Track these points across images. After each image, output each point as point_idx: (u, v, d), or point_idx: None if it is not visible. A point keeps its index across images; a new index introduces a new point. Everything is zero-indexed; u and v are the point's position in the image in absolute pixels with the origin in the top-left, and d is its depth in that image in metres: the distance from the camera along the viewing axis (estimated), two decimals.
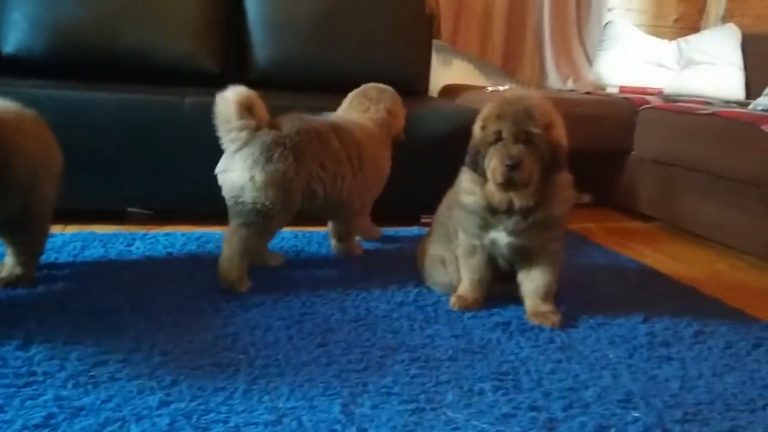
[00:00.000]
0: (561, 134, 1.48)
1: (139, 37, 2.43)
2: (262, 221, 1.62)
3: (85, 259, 1.79)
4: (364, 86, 2.06)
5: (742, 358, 1.44)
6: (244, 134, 1.63)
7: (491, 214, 1.53)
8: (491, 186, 1.47)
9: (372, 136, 1.93)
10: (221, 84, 2.51)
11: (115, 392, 1.13)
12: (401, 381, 1.25)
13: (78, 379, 1.16)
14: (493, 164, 1.43)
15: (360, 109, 2.00)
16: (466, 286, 1.64)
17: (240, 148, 1.63)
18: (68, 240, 1.92)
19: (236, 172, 1.62)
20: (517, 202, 1.47)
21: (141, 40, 2.44)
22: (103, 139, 2.09)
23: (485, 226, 1.55)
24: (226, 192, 1.66)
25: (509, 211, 1.50)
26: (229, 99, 1.64)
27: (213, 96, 2.18)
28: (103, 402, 1.10)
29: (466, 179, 1.58)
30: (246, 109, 1.63)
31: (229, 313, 1.50)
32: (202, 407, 1.10)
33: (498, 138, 1.43)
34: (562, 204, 1.55)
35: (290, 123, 1.71)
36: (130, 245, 1.93)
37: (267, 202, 1.60)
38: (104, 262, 1.79)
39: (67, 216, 2.00)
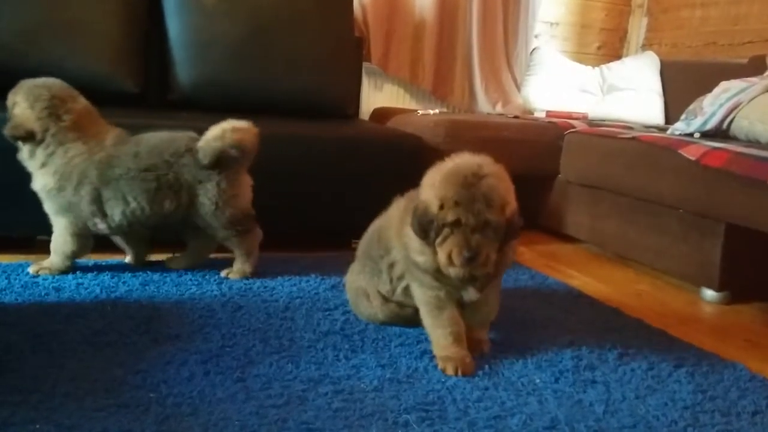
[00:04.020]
0: (514, 206, 1.41)
1: (51, 53, 2.29)
2: None
3: None
4: None
5: (664, 380, 1.46)
6: None
7: (443, 275, 1.44)
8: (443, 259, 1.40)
9: None
10: (140, 104, 2.45)
11: None
12: (323, 415, 1.19)
13: None
14: (450, 249, 1.36)
15: None
16: (448, 344, 1.45)
17: None
18: None
19: None
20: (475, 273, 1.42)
21: (54, 57, 2.29)
22: (7, 163, 1.95)
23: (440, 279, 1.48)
24: None
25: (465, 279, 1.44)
26: None
27: (130, 117, 2.11)
28: None
29: (414, 237, 1.46)
30: None
31: (142, 347, 1.41)
32: None
33: (456, 223, 1.36)
34: (511, 257, 1.52)
35: None
36: (37, 276, 1.81)
37: None
38: (6, 294, 1.66)
39: None
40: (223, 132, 1.83)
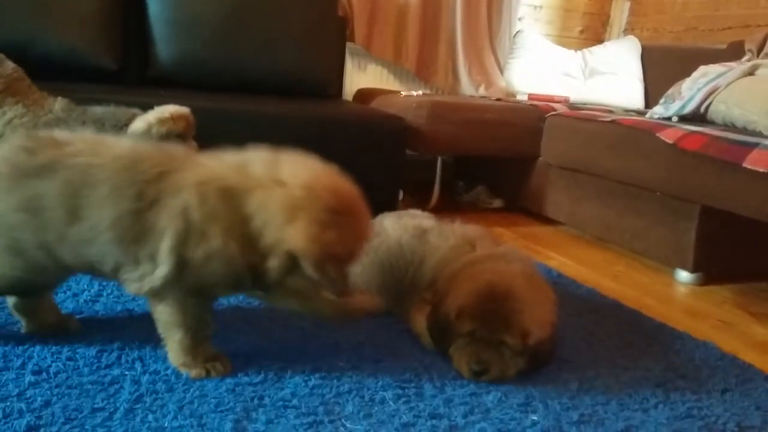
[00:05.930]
0: (539, 336, 1.31)
1: (26, 27, 2.24)
2: None
3: None
4: None
5: (637, 358, 1.48)
6: None
7: None
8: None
9: None
10: (118, 81, 2.41)
11: None
12: (300, 393, 1.19)
13: None
14: (459, 360, 1.34)
15: None
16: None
17: None
18: None
19: None
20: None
21: (28, 31, 2.25)
22: None
23: None
24: None
25: None
26: None
27: (104, 93, 2.08)
28: None
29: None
30: None
31: (118, 325, 1.40)
32: (77, 430, 1.01)
33: (470, 334, 1.33)
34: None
35: None
36: None
37: None
38: None
39: None
40: (148, 126, 1.71)
